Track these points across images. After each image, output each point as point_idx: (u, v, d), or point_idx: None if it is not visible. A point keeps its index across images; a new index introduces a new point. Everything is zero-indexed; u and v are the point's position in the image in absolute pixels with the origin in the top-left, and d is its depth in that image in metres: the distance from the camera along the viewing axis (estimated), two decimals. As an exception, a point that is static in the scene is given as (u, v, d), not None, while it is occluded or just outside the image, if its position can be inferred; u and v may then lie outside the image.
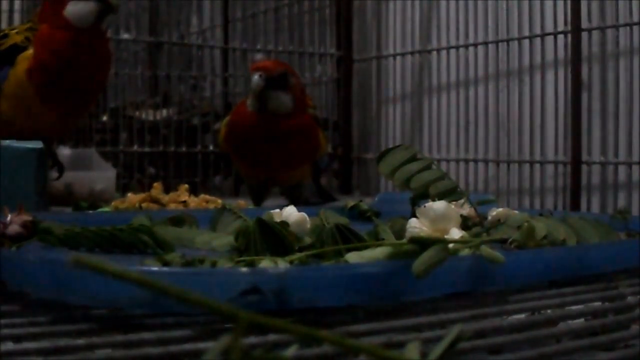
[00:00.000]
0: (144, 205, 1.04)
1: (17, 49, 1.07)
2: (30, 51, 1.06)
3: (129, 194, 1.12)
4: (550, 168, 1.45)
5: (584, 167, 1.37)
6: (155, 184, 1.11)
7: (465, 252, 0.49)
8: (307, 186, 1.27)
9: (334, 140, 1.85)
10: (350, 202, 0.87)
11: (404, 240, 0.48)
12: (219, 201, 1.09)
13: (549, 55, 1.44)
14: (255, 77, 1.08)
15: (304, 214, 0.66)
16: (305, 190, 1.25)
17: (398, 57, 1.77)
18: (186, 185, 1.14)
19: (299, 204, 0.97)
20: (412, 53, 1.73)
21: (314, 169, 1.22)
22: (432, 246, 0.43)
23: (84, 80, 1.08)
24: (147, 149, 1.71)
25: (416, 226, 0.57)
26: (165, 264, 0.49)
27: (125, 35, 1.75)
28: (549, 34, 1.43)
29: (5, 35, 1.09)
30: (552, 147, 1.44)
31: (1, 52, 1.08)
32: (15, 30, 1.10)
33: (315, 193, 1.31)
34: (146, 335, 0.36)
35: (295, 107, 1.10)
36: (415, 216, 0.58)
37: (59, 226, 0.62)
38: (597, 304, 0.46)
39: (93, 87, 1.12)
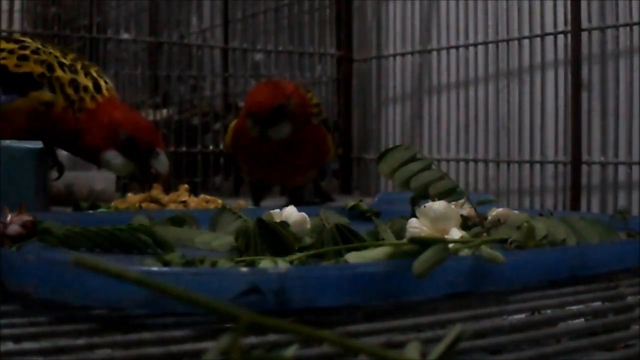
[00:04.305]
0: (143, 205, 1.04)
1: (30, 80, 0.99)
2: (47, 97, 0.99)
3: (129, 194, 1.12)
4: (550, 168, 1.45)
5: (584, 167, 1.37)
6: (155, 184, 1.11)
7: (465, 252, 0.49)
8: (309, 186, 1.27)
9: (334, 140, 1.85)
10: (350, 202, 0.87)
11: (404, 240, 0.48)
12: (219, 201, 1.09)
13: (549, 55, 1.44)
14: (250, 122, 1.06)
15: (304, 214, 0.66)
16: (306, 191, 1.25)
17: (398, 57, 1.77)
18: (186, 185, 1.14)
19: (300, 204, 0.97)
20: (412, 53, 1.73)
21: (319, 172, 1.22)
22: (432, 246, 0.43)
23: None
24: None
25: (416, 226, 0.57)
26: (165, 264, 0.49)
27: (125, 35, 1.75)
28: (549, 34, 1.43)
29: (25, 57, 1.00)
30: (552, 147, 1.44)
31: (13, 75, 1.00)
32: (36, 56, 1.00)
33: (313, 193, 1.31)
34: (146, 335, 0.36)
35: (298, 128, 1.09)
36: (415, 216, 0.58)
37: (59, 226, 0.62)
38: (597, 304, 0.46)
39: None
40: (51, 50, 1.03)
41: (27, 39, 1.04)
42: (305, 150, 1.12)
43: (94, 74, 1.03)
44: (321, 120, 1.17)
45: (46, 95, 1.00)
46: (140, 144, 1.00)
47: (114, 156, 1.01)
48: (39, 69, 1.00)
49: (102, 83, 1.03)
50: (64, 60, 1.02)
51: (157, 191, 1.08)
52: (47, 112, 1.00)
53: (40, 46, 1.03)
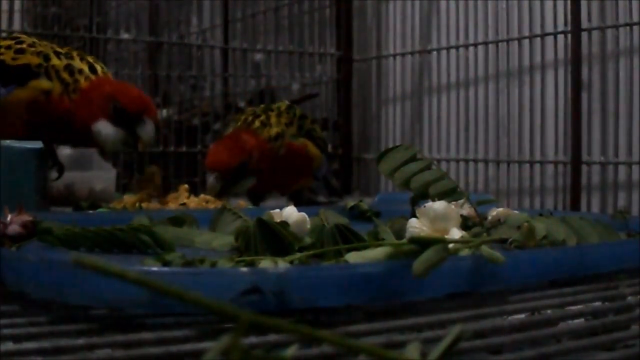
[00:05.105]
0: (144, 205, 1.04)
1: (29, 71, 1.00)
2: (45, 85, 0.99)
3: (125, 196, 1.12)
4: (550, 168, 1.45)
5: (584, 167, 1.37)
6: (152, 168, 1.11)
7: (465, 252, 0.49)
8: (316, 186, 1.27)
9: (334, 140, 1.85)
10: (350, 202, 0.87)
11: (404, 240, 0.48)
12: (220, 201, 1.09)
13: (549, 55, 1.44)
14: (211, 179, 1.06)
15: (304, 214, 0.66)
16: (305, 192, 1.26)
17: (398, 57, 1.77)
18: (186, 185, 1.14)
19: (301, 204, 0.97)
20: (412, 53, 1.73)
21: (314, 177, 1.23)
22: (432, 246, 0.43)
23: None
24: (147, 149, 1.71)
25: (416, 226, 0.57)
26: (165, 264, 0.49)
27: (125, 35, 1.75)
28: (549, 34, 1.43)
29: (22, 51, 1.02)
30: (552, 147, 1.44)
31: (12, 68, 1.01)
32: (33, 49, 1.02)
33: (325, 192, 1.31)
34: (146, 335, 0.36)
35: (262, 176, 1.10)
36: (415, 216, 0.58)
37: (59, 226, 0.62)
38: (597, 304, 0.46)
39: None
40: (46, 43, 1.05)
41: (23, 36, 1.06)
42: (285, 174, 1.13)
43: (90, 60, 1.04)
44: (306, 132, 1.17)
45: (44, 83, 1.00)
46: (129, 110, 1.00)
47: (104, 126, 1.00)
48: (36, 60, 1.01)
49: (98, 67, 1.04)
50: (59, 50, 1.04)
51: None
52: (46, 100, 1.00)
53: (35, 40, 1.05)
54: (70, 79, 1.01)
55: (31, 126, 1.00)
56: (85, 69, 1.02)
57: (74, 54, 1.04)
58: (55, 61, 1.01)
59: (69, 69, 1.01)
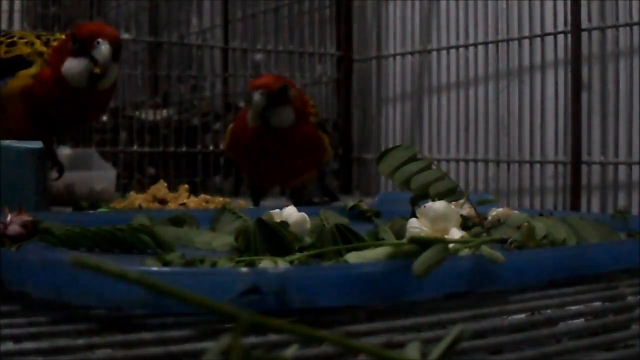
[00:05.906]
0: (144, 205, 1.04)
1: (22, 61, 1.03)
2: (33, 70, 1.02)
3: (132, 192, 1.12)
4: (550, 168, 1.45)
5: (584, 167, 1.37)
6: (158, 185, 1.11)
7: (465, 252, 0.49)
8: (312, 186, 1.26)
9: (334, 140, 1.85)
10: (350, 202, 0.87)
11: (404, 240, 0.48)
12: (220, 199, 1.09)
13: (549, 55, 1.44)
14: (257, 95, 1.05)
15: (304, 214, 0.66)
16: (308, 191, 1.25)
17: (398, 57, 1.77)
18: (186, 186, 1.14)
19: (301, 204, 0.97)
20: (412, 53, 1.73)
21: (319, 172, 1.22)
22: (432, 246, 0.43)
23: (75, 120, 1.09)
24: (147, 149, 1.71)
25: (416, 226, 0.57)
26: (165, 264, 0.49)
27: (125, 35, 1.75)
28: (549, 34, 1.43)
29: (13, 44, 1.05)
30: (552, 147, 1.44)
31: (5, 61, 1.04)
32: (24, 40, 1.05)
33: (320, 193, 1.31)
34: (146, 335, 0.36)
35: (297, 120, 1.09)
36: (415, 216, 0.58)
37: (59, 226, 0.62)
38: (597, 304, 0.46)
39: (84, 122, 1.12)
40: (31, 32, 1.10)
41: (13, 32, 1.09)
42: (303, 150, 1.12)
43: None
44: (318, 123, 1.17)
45: (32, 69, 1.03)
46: (80, 36, 1.00)
47: (68, 62, 1.01)
48: (27, 50, 1.04)
49: None
50: (42, 33, 1.08)
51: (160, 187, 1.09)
52: (36, 82, 1.03)
53: (24, 33, 1.10)
54: (47, 49, 1.04)
55: (31, 114, 1.02)
56: (62, 36, 1.06)
57: (57, 33, 1.08)
58: (37, 43, 1.05)
59: (47, 43, 1.04)
